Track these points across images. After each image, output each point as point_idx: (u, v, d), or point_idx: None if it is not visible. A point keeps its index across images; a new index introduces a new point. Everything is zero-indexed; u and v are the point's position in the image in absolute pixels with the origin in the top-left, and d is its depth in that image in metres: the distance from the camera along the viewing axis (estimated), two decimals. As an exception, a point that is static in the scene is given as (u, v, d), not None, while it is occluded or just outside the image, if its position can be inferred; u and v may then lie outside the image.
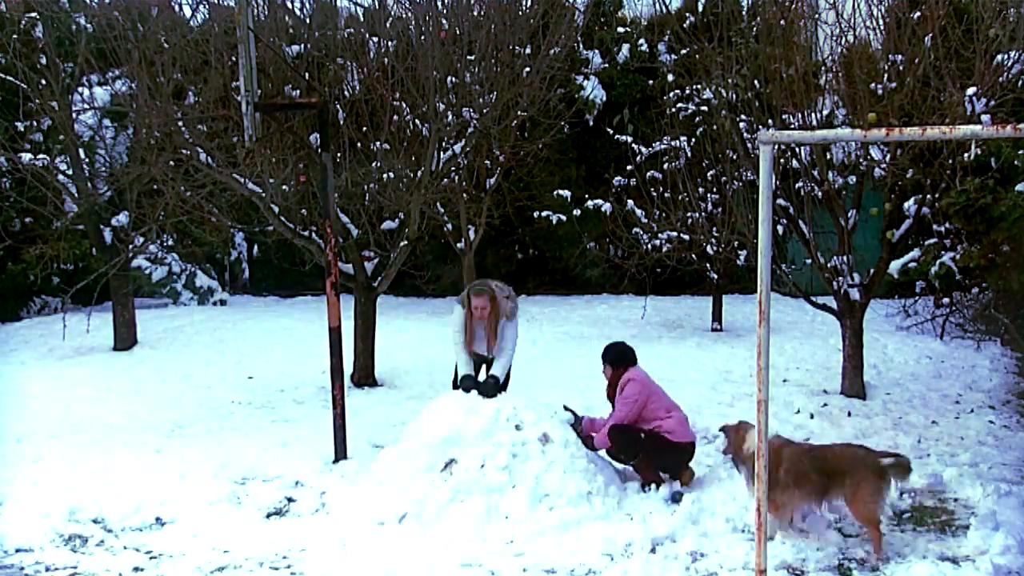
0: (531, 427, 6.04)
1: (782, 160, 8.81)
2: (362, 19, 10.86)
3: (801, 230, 8.89)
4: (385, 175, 9.78)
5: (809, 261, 8.97)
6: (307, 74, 9.56)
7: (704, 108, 11.47)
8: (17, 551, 5.43)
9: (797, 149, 8.68)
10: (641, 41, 16.55)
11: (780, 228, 10.06)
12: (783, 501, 5.38)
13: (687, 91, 12.08)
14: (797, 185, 8.90)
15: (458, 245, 15.07)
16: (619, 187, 13.29)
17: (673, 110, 12.38)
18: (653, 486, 6.27)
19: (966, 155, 7.45)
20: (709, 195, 11.51)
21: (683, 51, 10.91)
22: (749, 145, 9.05)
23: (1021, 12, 7.77)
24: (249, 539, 5.57)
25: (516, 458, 5.84)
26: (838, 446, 5.79)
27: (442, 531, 5.53)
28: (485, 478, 5.77)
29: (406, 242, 9.62)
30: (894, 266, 9.19)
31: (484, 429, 5.96)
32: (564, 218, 15.97)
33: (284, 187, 9.61)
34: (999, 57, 7.69)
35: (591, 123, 15.90)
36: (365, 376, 9.75)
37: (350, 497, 6.13)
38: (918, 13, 8.03)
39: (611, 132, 14.14)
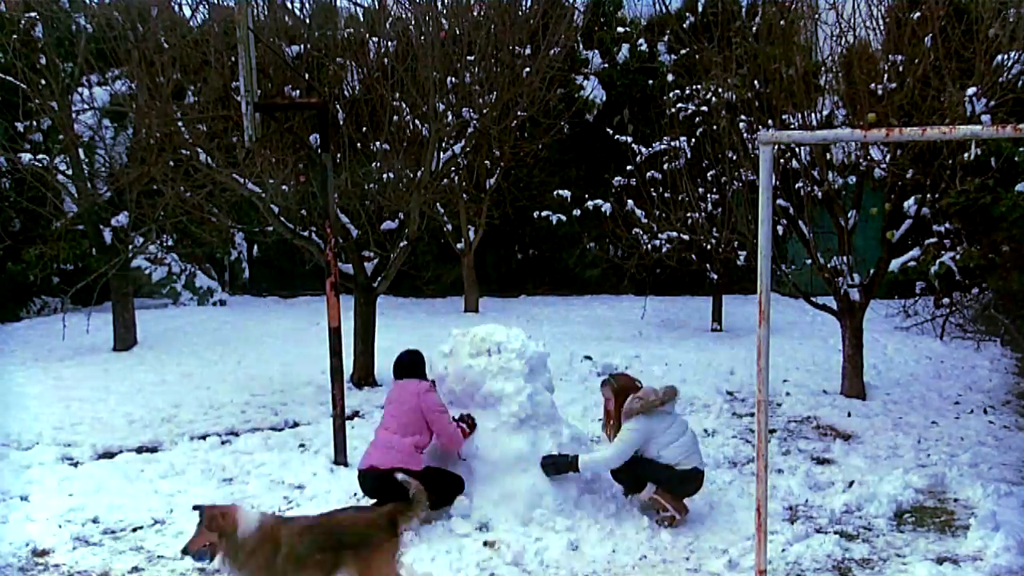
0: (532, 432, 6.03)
1: (782, 160, 8.81)
2: (362, 19, 10.88)
3: (801, 230, 8.89)
4: (385, 175, 9.78)
5: (809, 261, 8.97)
6: (307, 74, 9.56)
7: (704, 108, 11.47)
8: (16, 551, 5.42)
9: (797, 149, 8.68)
10: (641, 41, 16.56)
11: (780, 228, 10.04)
12: None
13: (687, 91, 12.09)
14: (797, 185, 8.89)
15: (458, 245, 15.10)
16: (619, 187, 13.30)
17: (673, 110, 12.39)
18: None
19: (966, 155, 7.45)
20: (709, 195, 11.52)
21: (683, 51, 10.92)
22: (749, 145, 9.05)
23: (1021, 12, 7.78)
24: (249, 539, 5.55)
25: (516, 465, 5.82)
26: (341, 513, 5.10)
27: (440, 532, 5.52)
28: (487, 483, 5.77)
29: (406, 242, 9.62)
30: (894, 265, 9.19)
31: (488, 437, 5.95)
32: (564, 218, 16.00)
33: (284, 187, 9.61)
34: (999, 57, 7.69)
35: (591, 123, 15.90)
36: (365, 376, 9.75)
37: (349, 498, 6.12)
38: (918, 13, 8.03)
39: (611, 132, 14.16)
